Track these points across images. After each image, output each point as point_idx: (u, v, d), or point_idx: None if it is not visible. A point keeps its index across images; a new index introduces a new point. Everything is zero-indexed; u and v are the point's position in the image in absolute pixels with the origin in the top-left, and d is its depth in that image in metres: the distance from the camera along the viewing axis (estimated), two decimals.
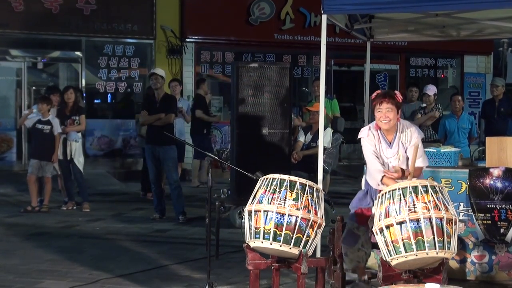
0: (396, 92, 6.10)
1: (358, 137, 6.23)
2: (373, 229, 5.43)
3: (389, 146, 6.08)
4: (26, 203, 11.61)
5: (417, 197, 5.25)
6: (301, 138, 10.65)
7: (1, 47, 16.35)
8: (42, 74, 17.51)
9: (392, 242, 5.22)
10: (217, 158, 7.67)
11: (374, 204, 5.63)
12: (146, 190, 13.12)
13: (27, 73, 16.39)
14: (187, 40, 17.08)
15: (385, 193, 5.42)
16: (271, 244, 5.43)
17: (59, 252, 8.37)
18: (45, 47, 16.94)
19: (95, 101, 17.57)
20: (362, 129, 6.23)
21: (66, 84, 16.55)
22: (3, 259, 8.02)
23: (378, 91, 6.13)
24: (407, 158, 6.04)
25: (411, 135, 6.05)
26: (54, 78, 17.59)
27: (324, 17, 7.22)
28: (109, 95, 17.36)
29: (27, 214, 11.15)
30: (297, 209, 5.44)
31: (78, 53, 16.70)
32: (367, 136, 6.13)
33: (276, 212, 5.42)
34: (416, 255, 5.15)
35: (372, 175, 6.12)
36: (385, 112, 5.96)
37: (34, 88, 16.55)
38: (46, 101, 11.48)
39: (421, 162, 6.05)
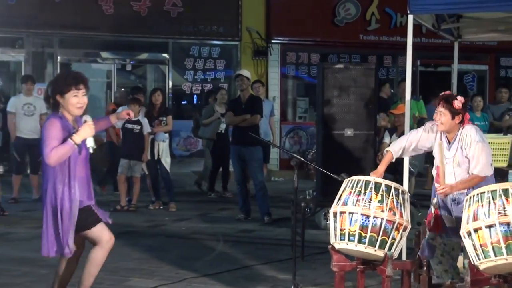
0: (458, 98, 5.96)
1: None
2: (461, 232, 5.34)
3: (449, 145, 6.01)
4: (116, 202, 11.85)
5: (507, 200, 5.12)
6: (387, 140, 10.54)
7: (92, 49, 16.77)
8: (131, 76, 17.87)
9: (481, 246, 5.11)
10: (302, 159, 7.67)
11: (464, 206, 5.52)
12: (213, 190, 13.49)
13: (116, 75, 16.74)
14: (273, 41, 17.14)
15: (473, 196, 5.32)
16: (356, 246, 5.41)
17: (146, 251, 8.51)
18: (133, 49, 17.27)
19: (182, 102, 17.81)
20: None
21: (153, 85, 16.86)
22: None
23: (443, 93, 6.11)
24: (466, 163, 5.92)
25: (470, 141, 5.91)
26: (142, 80, 17.94)
27: (410, 17, 7.15)
28: (195, 96, 17.58)
29: (116, 213, 11.36)
30: (382, 211, 5.40)
31: (165, 55, 16.98)
32: (429, 125, 6.25)
33: (361, 214, 5.40)
34: (507, 260, 5.03)
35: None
36: (438, 114, 5.99)
37: (123, 89, 16.88)
38: (137, 102, 11.68)
39: (478, 171, 5.88)
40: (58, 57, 16.16)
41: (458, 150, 5.95)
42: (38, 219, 10.75)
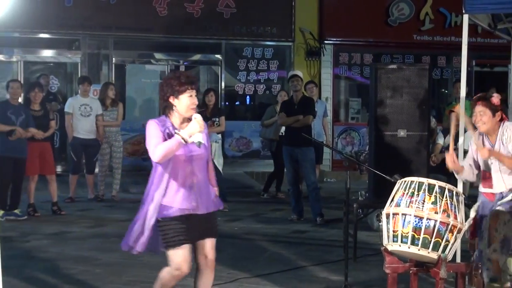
0: (494, 94, 5.92)
1: None
2: None
3: (492, 147, 5.94)
4: None
5: None
6: (440, 141, 10.45)
7: (146, 50, 16.93)
8: None
9: None
10: (355, 160, 7.64)
11: None
12: (267, 190, 13.61)
13: None
14: (326, 42, 17.09)
15: None
16: (409, 248, 5.38)
17: None
18: (186, 50, 17.39)
19: (235, 103, 17.87)
20: None
21: (206, 86, 16.93)
22: (148, 256, 8.22)
23: (477, 95, 6.08)
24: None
25: (510, 135, 5.87)
26: None
27: (465, 17, 7.07)
28: (247, 97, 17.62)
29: None
30: (436, 212, 5.36)
31: (218, 56, 17.05)
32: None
33: (414, 216, 5.37)
34: None
35: None
36: (478, 115, 5.93)
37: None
38: None
39: None
40: (113, 59, 16.36)
41: (501, 146, 5.88)
42: (94, 218, 11.01)
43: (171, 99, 5.26)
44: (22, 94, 11.51)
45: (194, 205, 5.30)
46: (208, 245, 5.47)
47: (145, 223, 5.25)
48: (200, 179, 5.33)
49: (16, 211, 10.70)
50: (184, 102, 5.24)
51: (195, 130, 5.12)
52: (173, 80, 5.27)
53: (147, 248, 5.39)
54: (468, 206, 8.22)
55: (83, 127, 12.41)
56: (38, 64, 16.53)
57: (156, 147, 5.10)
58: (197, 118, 5.17)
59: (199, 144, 5.18)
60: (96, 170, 12.92)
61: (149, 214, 5.23)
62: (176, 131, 5.16)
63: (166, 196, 5.22)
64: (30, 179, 11.02)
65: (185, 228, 5.27)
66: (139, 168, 15.91)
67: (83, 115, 12.41)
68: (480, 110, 5.91)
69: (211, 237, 5.49)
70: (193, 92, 5.28)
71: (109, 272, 7.47)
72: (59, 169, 14.50)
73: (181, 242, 5.27)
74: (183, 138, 5.07)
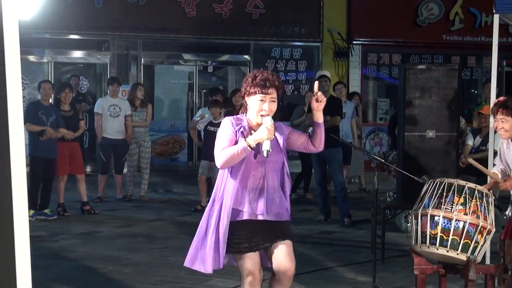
0: None
1: None
2: None
3: None
4: (196, 202, 11.98)
5: None
6: (470, 142, 10.38)
7: (175, 51, 17.01)
8: (212, 78, 18.03)
9: None
10: (383, 160, 7.60)
11: None
12: (294, 191, 13.49)
13: (198, 77, 16.94)
14: (354, 42, 17.06)
15: None
16: (437, 249, 5.34)
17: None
18: (215, 51, 17.44)
19: None
20: None
21: (234, 87, 16.96)
22: (176, 256, 8.33)
23: (497, 100, 5.98)
24: None
25: None
26: (223, 81, 18.08)
27: (496, 17, 7.03)
28: None
29: (197, 213, 11.49)
30: (465, 214, 5.31)
31: (246, 56, 17.08)
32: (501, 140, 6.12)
33: (443, 217, 5.33)
34: None
35: None
36: (500, 122, 5.80)
37: (204, 91, 17.06)
38: (218, 105, 11.78)
39: None
40: (142, 59, 16.45)
41: None
42: (122, 218, 11.08)
43: (245, 97, 4.97)
44: (52, 95, 11.62)
45: (263, 210, 4.87)
46: (281, 252, 5.07)
47: (219, 232, 4.86)
48: (272, 184, 4.92)
49: (46, 210, 10.80)
50: (254, 105, 4.89)
51: (263, 137, 4.73)
52: (249, 78, 4.94)
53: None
54: (498, 207, 8.15)
55: (112, 128, 12.48)
56: (68, 65, 16.69)
57: (221, 152, 4.76)
58: (267, 124, 4.79)
59: (266, 153, 4.73)
60: (125, 170, 13.00)
61: (223, 220, 4.85)
62: (243, 137, 4.83)
63: (236, 199, 4.83)
64: (60, 179, 11.12)
65: (252, 233, 4.89)
66: (167, 168, 16.00)
67: (112, 115, 12.49)
68: (502, 117, 5.80)
69: (283, 244, 5.06)
70: (266, 97, 4.85)
71: (138, 272, 7.51)
72: (88, 169, 14.62)
73: (246, 249, 4.89)
74: (249, 145, 4.71)
